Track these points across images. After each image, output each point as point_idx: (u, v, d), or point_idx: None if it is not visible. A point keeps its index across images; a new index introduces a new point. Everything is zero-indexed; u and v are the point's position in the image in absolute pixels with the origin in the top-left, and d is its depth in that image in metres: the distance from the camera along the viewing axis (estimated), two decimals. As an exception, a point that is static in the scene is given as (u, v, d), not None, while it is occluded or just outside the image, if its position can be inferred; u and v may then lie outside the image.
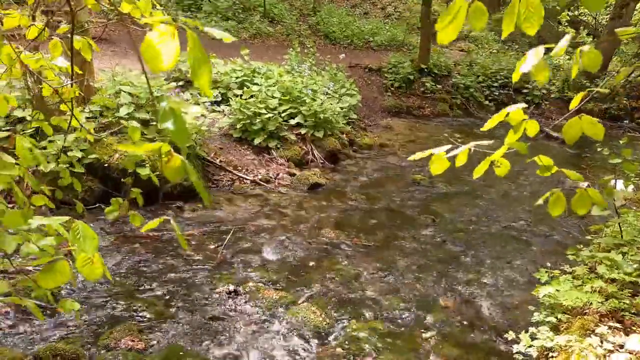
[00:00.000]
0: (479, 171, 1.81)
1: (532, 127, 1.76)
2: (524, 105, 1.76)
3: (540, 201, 1.89)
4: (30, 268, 3.02)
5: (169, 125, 1.04)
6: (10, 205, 1.82)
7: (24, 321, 3.46)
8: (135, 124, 5.62)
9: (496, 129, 1.95)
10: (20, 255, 1.61)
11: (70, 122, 2.14)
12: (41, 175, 4.56)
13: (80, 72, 2.35)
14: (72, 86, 2.17)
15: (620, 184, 3.59)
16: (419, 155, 1.75)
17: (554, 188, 1.89)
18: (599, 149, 6.01)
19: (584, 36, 14.43)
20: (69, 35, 1.92)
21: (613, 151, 5.18)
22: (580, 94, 1.82)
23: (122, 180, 5.48)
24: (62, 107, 2.32)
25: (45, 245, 1.60)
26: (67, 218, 1.57)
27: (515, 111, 1.71)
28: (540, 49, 1.54)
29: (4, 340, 3.26)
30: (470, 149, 1.71)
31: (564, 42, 1.57)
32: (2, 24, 1.98)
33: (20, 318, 3.48)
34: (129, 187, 3.01)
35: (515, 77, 1.65)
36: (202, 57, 1.00)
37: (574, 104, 1.79)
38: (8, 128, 5.27)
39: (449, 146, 1.74)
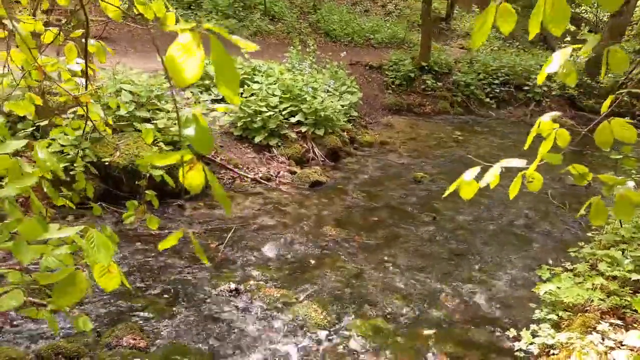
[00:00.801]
0: (513, 189, 1.71)
1: (563, 138, 1.68)
2: (557, 113, 1.69)
3: (582, 211, 1.80)
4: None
5: (190, 132, 1.02)
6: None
7: (26, 320, 3.47)
8: (149, 126, 5.66)
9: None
10: (40, 269, 1.56)
11: (85, 124, 2.14)
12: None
13: (91, 72, 2.35)
14: (86, 89, 2.17)
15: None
16: (452, 187, 1.70)
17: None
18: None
19: (585, 33, 14.38)
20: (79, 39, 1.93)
21: (614, 148, 5.18)
22: (610, 98, 1.77)
23: (123, 179, 5.49)
24: (80, 110, 2.31)
25: (61, 256, 1.55)
26: (82, 227, 1.51)
27: (546, 122, 1.64)
28: (568, 49, 1.50)
29: (6, 338, 3.26)
30: (502, 169, 1.63)
31: (591, 44, 1.54)
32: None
33: (22, 317, 3.49)
34: (144, 190, 3.02)
35: (540, 80, 1.61)
36: (228, 64, 0.95)
37: (604, 109, 1.73)
38: (9, 126, 5.27)
39: (478, 169, 1.64)
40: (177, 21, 2.28)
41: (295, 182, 6.87)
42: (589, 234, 4.66)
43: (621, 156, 4.33)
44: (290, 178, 6.96)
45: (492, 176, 1.60)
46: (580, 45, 1.58)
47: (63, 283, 1.44)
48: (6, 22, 1.85)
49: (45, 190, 2.02)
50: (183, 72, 0.94)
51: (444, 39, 16.79)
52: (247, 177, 6.73)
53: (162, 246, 1.37)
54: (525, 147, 1.68)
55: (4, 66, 2.09)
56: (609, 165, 4.76)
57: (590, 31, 15.32)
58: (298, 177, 6.94)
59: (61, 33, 2.14)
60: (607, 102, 1.74)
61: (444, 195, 1.79)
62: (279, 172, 7.02)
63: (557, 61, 1.49)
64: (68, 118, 2.60)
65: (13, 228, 1.47)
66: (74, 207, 2.46)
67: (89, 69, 2.14)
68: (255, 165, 7.00)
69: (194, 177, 1.14)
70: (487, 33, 1.38)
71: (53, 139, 4.91)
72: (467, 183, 1.66)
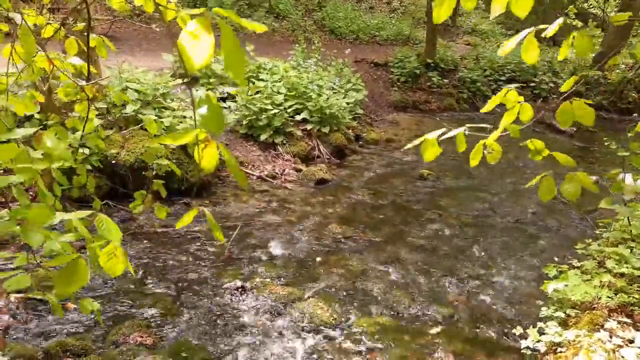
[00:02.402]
0: (474, 157, 1.82)
1: (526, 111, 1.78)
2: (516, 85, 1.78)
3: (532, 183, 1.92)
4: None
5: (203, 110, 1.04)
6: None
7: (34, 317, 3.49)
8: (152, 117, 5.67)
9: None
10: (43, 254, 1.59)
11: (86, 121, 2.15)
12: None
13: (95, 71, 2.37)
14: (88, 81, 2.18)
15: (629, 178, 3.56)
16: (413, 143, 1.74)
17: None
18: (606, 143, 5.96)
19: (592, 28, 14.29)
20: (79, 35, 1.93)
21: (621, 144, 5.14)
22: (572, 78, 1.85)
23: (129, 176, 5.51)
24: (77, 107, 2.33)
25: (64, 244, 1.58)
26: (88, 212, 1.56)
27: (511, 92, 1.73)
28: (531, 29, 1.56)
29: (15, 335, 3.29)
30: (465, 132, 1.70)
31: (555, 24, 1.59)
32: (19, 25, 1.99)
33: (31, 314, 3.51)
34: (150, 181, 3.04)
35: (502, 53, 1.67)
36: (235, 48, 0.98)
37: (565, 87, 1.81)
38: (17, 125, 5.30)
39: (442, 130, 1.73)
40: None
41: (301, 179, 6.87)
42: (597, 231, 4.63)
43: (628, 153, 4.29)
44: (296, 176, 6.96)
45: (454, 134, 1.67)
46: (545, 26, 1.62)
47: (65, 271, 1.47)
48: (13, 15, 1.86)
49: (54, 177, 2.04)
50: (194, 56, 0.96)
51: (449, 36, 16.72)
52: (252, 175, 6.73)
53: (179, 225, 1.43)
54: (483, 110, 1.79)
55: (11, 62, 2.10)
56: (616, 162, 4.72)
57: (597, 27, 15.20)
58: (303, 175, 6.94)
59: (62, 28, 2.14)
60: (570, 82, 1.84)
61: (404, 148, 1.86)
62: (284, 170, 7.02)
63: (519, 37, 1.55)
64: (77, 117, 2.61)
65: (23, 214, 1.50)
66: (74, 200, 2.47)
67: (93, 68, 2.15)
68: (261, 163, 7.01)
69: (208, 155, 1.15)
70: (451, 9, 1.41)
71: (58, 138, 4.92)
72: (429, 141, 1.71)
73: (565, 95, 1.78)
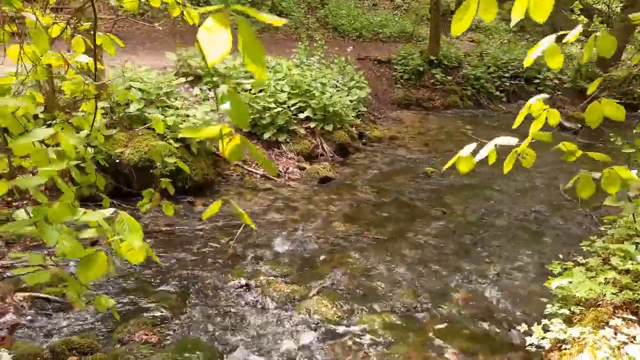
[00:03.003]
0: (508, 164, 1.84)
1: (553, 117, 1.80)
2: (545, 96, 1.80)
3: (569, 184, 1.95)
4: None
5: (226, 106, 1.07)
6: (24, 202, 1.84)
7: (40, 315, 3.51)
8: (159, 116, 5.68)
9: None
10: (56, 254, 1.63)
11: (94, 119, 2.16)
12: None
13: (102, 67, 2.38)
14: (95, 80, 2.19)
15: (634, 174, 3.54)
16: (449, 164, 1.80)
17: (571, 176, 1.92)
18: (612, 139, 5.93)
19: (597, 24, 14.21)
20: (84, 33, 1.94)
21: (627, 141, 5.11)
22: (597, 80, 1.87)
23: (133, 175, 5.52)
24: (84, 106, 2.34)
25: (74, 243, 1.63)
26: (111, 210, 1.63)
27: (536, 103, 1.75)
28: (553, 36, 1.57)
29: (21, 334, 3.31)
30: (496, 146, 1.73)
31: (577, 29, 1.59)
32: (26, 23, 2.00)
33: (36, 312, 3.53)
34: (157, 179, 3.05)
35: (527, 63, 1.69)
36: (253, 41, 1.00)
37: (591, 90, 1.83)
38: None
39: (474, 145, 1.77)
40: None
41: (305, 178, 6.87)
42: (602, 228, 4.61)
43: (633, 150, 4.28)
44: (299, 174, 6.96)
45: (487, 152, 1.71)
46: (565, 32, 1.63)
47: (85, 261, 1.56)
48: (26, 15, 1.87)
49: (73, 175, 2.08)
50: (212, 51, 0.98)
51: (453, 33, 16.63)
52: (256, 173, 6.74)
53: (205, 215, 1.47)
54: (515, 125, 1.80)
55: (20, 61, 2.11)
56: (622, 158, 4.70)
57: (602, 23, 15.12)
58: (307, 173, 6.94)
59: (68, 27, 2.15)
60: (596, 83, 1.89)
61: (444, 168, 1.91)
62: (288, 168, 7.03)
63: (542, 46, 1.56)
64: (82, 116, 2.62)
65: (43, 213, 1.54)
66: (81, 199, 2.48)
67: (100, 65, 2.16)
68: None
69: (233, 148, 1.19)
70: (468, 22, 1.42)
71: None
72: (464, 158, 1.77)
73: (592, 96, 1.80)
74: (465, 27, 1.42)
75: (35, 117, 5.36)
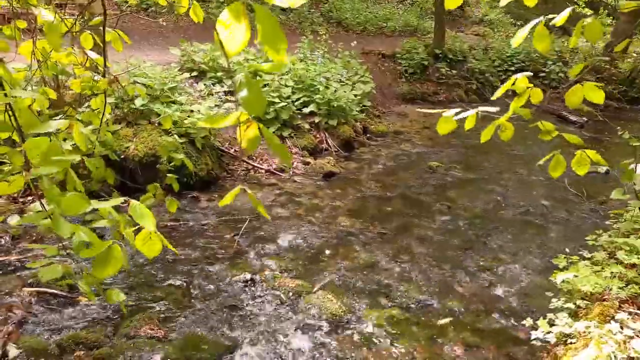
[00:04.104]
0: (486, 135, 1.91)
1: (536, 95, 1.87)
2: (529, 73, 1.85)
3: (541, 162, 2.02)
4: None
5: (243, 94, 1.07)
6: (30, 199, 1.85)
7: (47, 310, 3.54)
8: (167, 110, 5.69)
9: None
10: (73, 247, 1.63)
11: (103, 114, 2.17)
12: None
13: (109, 64, 2.39)
14: (104, 76, 2.20)
15: (640, 168, 3.52)
16: (429, 111, 1.86)
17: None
18: (619, 132, 5.89)
19: (603, 17, 14.09)
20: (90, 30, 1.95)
21: (633, 134, 5.08)
22: (580, 65, 1.90)
23: (138, 171, 5.54)
24: (93, 102, 2.35)
25: (91, 235, 1.61)
26: (122, 199, 1.61)
27: (520, 79, 1.82)
28: (542, 17, 1.60)
29: (29, 329, 3.33)
30: (478, 114, 1.79)
31: (565, 13, 1.60)
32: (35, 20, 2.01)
33: (43, 307, 3.56)
34: (164, 174, 3.07)
35: (515, 44, 1.72)
36: (274, 25, 1.00)
37: (574, 73, 1.88)
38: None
39: (458, 109, 1.82)
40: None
41: (309, 172, 6.87)
42: (607, 222, 4.59)
43: (639, 143, 4.24)
44: (304, 169, 6.96)
45: (468, 116, 1.80)
46: (554, 15, 1.65)
47: (101, 256, 1.53)
48: (38, 11, 1.88)
49: (87, 165, 2.09)
50: (231, 42, 0.99)
51: (457, 26, 16.57)
52: (261, 168, 6.75)
53: (222, 203, 1.46)
54: (493, 97, 1.89)
55: (32, 56, 2.12)
56: (628, 151, 4.67)
57: (608, 15, 14.99)
58: (311, 168, 6.94)
59: (77, 23, 2.16)
60: (578, 67, 1.91)
61: (439, 132, 1.94)
62: (292, 163, 7.02)
63: (530, 25, 1.60)
64: (83, 112, 2.63)
65: (56, 202, 1.53)
66: (89, 193, 2.49)
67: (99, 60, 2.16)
68: (269, 156, 7.02)
69: (250, 136, 1.18)
70: None
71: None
72: (445, 118, 1.83)
73: (574, 80, 1.83)
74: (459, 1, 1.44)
75: (40, 113, 5.38)
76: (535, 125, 1.94)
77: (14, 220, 1.57)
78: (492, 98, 1.84)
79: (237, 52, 0.99)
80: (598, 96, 1.78)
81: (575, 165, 1.89)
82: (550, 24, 1.65)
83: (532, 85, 1.83)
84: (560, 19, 1.61)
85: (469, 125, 1.76)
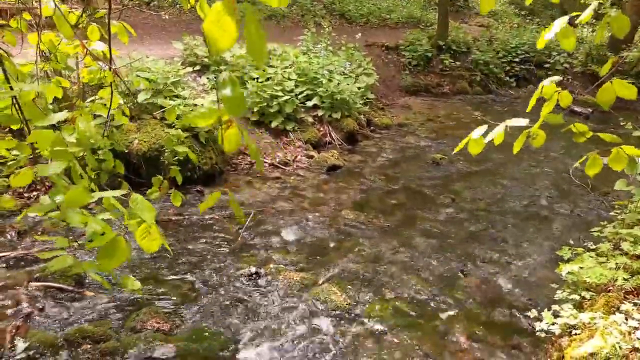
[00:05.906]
0: (517, 145, 1.87)
1: (565, 99, 1.83)
2: (558, 78, 1.83)
3: (577, 164, 2.00)
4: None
5: (227, 92, 1.06)
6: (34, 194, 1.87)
7: (54, 305, 3.56)
8: (172, 102, 5.68)
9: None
10: (86, 237, 1.64)
11: (110, 106, 2.18)
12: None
13: (116, 53, 2.39)
14: (110, 69, 2.21)
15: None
16: (459, 146, 1.83)
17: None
18: (622, 123, 5.86)
19: (607, 7, 13.94)
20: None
21: (637, 125, 5.04)
22: (610, 60, 1.88)
23: (142, 165, 5.55)
24: (100, 93, 2.36)
25: (104, 225, 1.62)
26: (124, 191, 1.62)
27: (549, 85, 1.80)
28: (566, 17, 1.59)
29: (36, 323, 3.36)
30: (507, 127, 1.76)
31: (589, 9, 1.59)
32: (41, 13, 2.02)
33: (50, 301, 3.58)
34: (167, 168, 3.08)
35: (540, 45, 1.70)
36: (258, 33, 0.98)
37: (604, 71, 1.85)
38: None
39: (485, 127, 1.80)
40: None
41: (313, 166, 6.87)
42: (612, 213, 4.58)
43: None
44: (308, 162, 6.96)
45: (496, 134, 1.74)
46: (578, 13, 1.64)
47: (107, 247, 1.54)
48: (48, 4, 1.88)
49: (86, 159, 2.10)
50: (219, 40, 0.96)
51: (461, 17, 16.46)
52: (265, 162, 6.75)
53: (202, 208, 1.51)
54: (528, 109, 1.82)
55: (37, 49, 2.12)
56: (632, 142, 4.64)
57: (612, 5, 14.83)
58: (315, 161, 6.94)
59: (84, 15, 2.17)
60: (609, 64, 1.89)
61: (454, 151, 1.94)
62: (296, 157, 7.02)
63: (555, 27, 1.58)
64: (87, 107, 2.63)
65: (60, 194, 1.54)
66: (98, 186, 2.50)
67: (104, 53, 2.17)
68: (273, 150, 7.02)
69: (231, 136, 1.18)
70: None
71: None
72: (475, 140, 1.79)
73: (604, 77, 1.81)
74: (493, 4, 1.44)
75: (54, 101, 5.40)
76: (569, 127, 1.92)
77: (46, 200, 1.58)
78: (527, 110, 1.82)
79: (227, 48, 0.96)
80: (630, 92, 1.74)
81: (612, 162, 1.87)
82: (576, 22, 1.67)
83: (559, 89, 1.81)
84: (584, 17, 1.61)
85: (498, 141, 1.75)
